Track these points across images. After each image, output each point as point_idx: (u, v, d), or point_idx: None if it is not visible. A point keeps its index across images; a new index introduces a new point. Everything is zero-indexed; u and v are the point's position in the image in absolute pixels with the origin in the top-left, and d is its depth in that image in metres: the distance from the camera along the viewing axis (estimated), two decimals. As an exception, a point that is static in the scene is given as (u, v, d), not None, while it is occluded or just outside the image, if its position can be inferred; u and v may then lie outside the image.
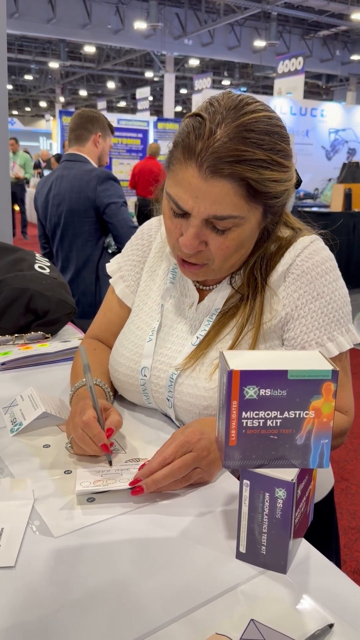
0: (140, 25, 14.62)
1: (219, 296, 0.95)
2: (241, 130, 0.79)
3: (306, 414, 0.58)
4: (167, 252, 1.04)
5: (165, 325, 1.00)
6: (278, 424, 0.58)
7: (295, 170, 0.92)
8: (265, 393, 0.57)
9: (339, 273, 0.94)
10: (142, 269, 1.08)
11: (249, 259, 0.92)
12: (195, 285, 0.99)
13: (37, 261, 1.45)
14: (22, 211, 10.17)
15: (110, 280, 1.11)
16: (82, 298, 2.46)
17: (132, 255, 1.10)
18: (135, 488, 0.74)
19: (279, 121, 0.86)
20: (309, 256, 0.91)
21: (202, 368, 0.90)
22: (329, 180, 9.96)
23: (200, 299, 0.98)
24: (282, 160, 0.83)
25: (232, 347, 0.90)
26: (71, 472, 0.81)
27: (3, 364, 1.19)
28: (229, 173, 0.78)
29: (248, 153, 0.78)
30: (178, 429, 0.82)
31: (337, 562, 1.16)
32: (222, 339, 0.91)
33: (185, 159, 0.81)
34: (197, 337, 0.93)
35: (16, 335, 1.32)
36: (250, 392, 0.57)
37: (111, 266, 1.12)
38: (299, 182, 0.95)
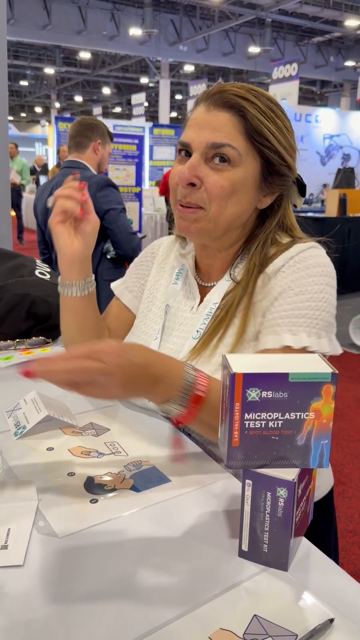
0: (135, 31, 14.71)
1: (217, 291, 0.98)
2: (246, 87, 0.91)
3: (306, 416, 0.60)
4: (174, 253, 1.08)
5: (168, 328, 1.03)
6: (279, 425, 0.60)
7: (299, 175, 0.98)
8: (267, 395, 0.59)
9: (332, 282, 0.92)
10: (146, 280, 1.13)
11: (248, 245, 0.96)
12: (198, 283, 1.03)
13: (37, 267, 1.47)
14: (19, 217, 10.20)
15: (115, 292, 1.16)
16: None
17: (135, 270, 1.16)
18: (26, 370, 0.67)
19: (283, 109, 0.95)
20: (304, 258, 0.92)
21: (206, 361, 0.93)
22: (324, 185, 10.02)
23: (202, 299, 1.01)
24: (280, 123, 0.91)
25: (236, 338, 0.93)
26: (74, 474, 0.83)
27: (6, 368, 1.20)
28: (229, 104, 0.88)
29: (249, 95, 0.89)
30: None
31: (336, 560, 1.18)
32: (222, 331, 0.94)
33: (195, 107, 0.93)
34: (197, 331, 0.97)
35: (17, 340, 1.34)
36: (253, 394, 0.59)
37: (115, 282, 1.18)
38: (302, 186, 0.99)
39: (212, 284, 1.01)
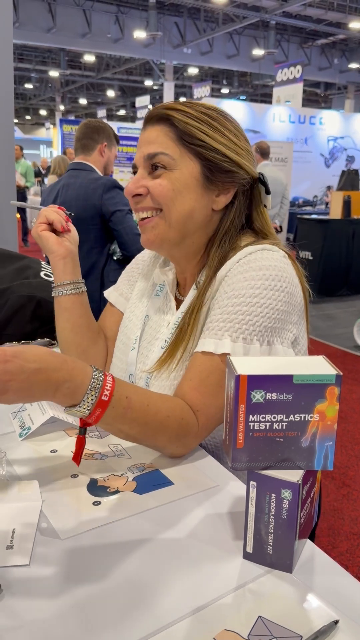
0: (139, 34, 14.75)
1: (186, 302, 1.00)
2: (185, 102, 0.96)
3: (311, 417, 0.60)
4: (156, 269, 1.11)
5: (144, 340, 1.06)
6: (284, 427, 0.60)
7: (261, 174, 1.00)
8: (271, 397, 0.59)
9: (278, 285, 0.88)
10: (134, 287, 1.17)
11: (209, 251, 0.98)
12: (177, 298, 1.06)
13: (43, 269, 1.48)
14: (23, 219, 10.22)
15: (110, 299, 1.20)
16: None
17: (127, 278, 1.20)
18: None
19: (230, 116, 0.99)
20: (248, 261, 0.92)
21: (170, 367, 0.96)
22: (328, 187, 10.01)
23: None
24: (216, 125, 0.94)
25: (182, 342, 0.95)
26: (77, 476, 0.83)
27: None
28: (158, 116, 0.94)
29: (179, 106, 0.94)
30: None
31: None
32: (186, 339, 0.95)
33: (142, 129, 0.98)
34: (165, 341, 1.00)
35: (23, 342, 1.35)
36: (257, 396, 0.59)
37: (108, 291, 1.21)
38: (265, 186, 1.01)
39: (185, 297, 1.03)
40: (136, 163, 0.97)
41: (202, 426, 0.87)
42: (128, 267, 1.22)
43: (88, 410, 0.74)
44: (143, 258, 1.20)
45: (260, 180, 1.00)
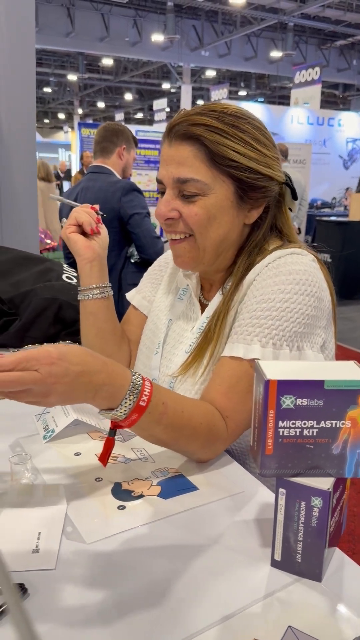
0: (157, 37, 14.80)
1: (210, 307, 1.00)
2: (207, 109, 0.90)
3: (342, 424, 0.59)
4: (179, 273, 1.10)
5: (168, 344, 1.05)
6: (314, 434, 0.59)
7: (288, 177, 0.97)
8: (301, 403, 0.58)
9: (308, 290, 0.88)
10: (158, 289, 1.16)
11: (237, 259, 0.96)
12: (201, 302, 1.05)
13: (64, 271, 1.48)
14: (41, 221, 10.29)
15: (132, 302, 1.19)
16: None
17: (150, 279, 1.18)
18: None
19: (253, 116, 0.94)
20: (278, 265, 0.91)
21: (196, 372, 0.95)
22: (347, 189, 9.93)
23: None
24: (246, 137, 0.89)
25: (211, 348, 0.95)
26: (102, 479, 0.83)
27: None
28: (188, 135, 0.88)
29: (207, 120, 0.88)
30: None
31: None
32: (212, 344, 0.94)
33: (162, 141, 0.93)
34: (190, 345, 0.99)
35: (45, 344, 1.35)
36: (287, 401, 0.58)
37: (130, 293, 1.20)
38: (293, 190, 0.98)
39: (210, 302, 1.02)
40: (163, 180, 0.93)
41: (230, 432, 0.87)
42: (150, 269, 1.21)
43: (124, 414, 0.73)
44: (166, 260, 1.19)
45: (287, 184, 0.98)
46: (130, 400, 0.72)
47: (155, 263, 1.21)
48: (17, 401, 0.68)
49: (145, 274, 1.21)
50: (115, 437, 0.95)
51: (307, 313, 0.88)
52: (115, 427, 0.76)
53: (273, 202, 0.97)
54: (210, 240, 0.92)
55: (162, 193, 0.94)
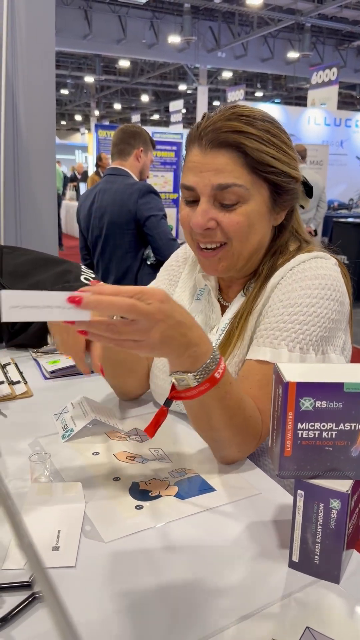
0: (174, 39, 14.82)
1: (232, 309, 0.99)
2: (235, 114, 0.88)
3: (361, 426, 0.59)
4: (197, 273, 1.09)
5: None
6: (333, 436, 0.60)
7: (304, 177, 0.97)
8: (321, 405, 0.58)
9: (333, 295, 0.89)
10: (175, 287, 1.14)
11: (264, 259, 0.96)
12: (220, 303, 1.04)
13: (83, 273, 1.50)
14: (58, 223, 10.37)
15: None
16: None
17: (167, 275, 1.17)
18: (74, 296, 0.63)
19: (275, 120, 0.93)
20: (303, 270, 0.91)
21: None
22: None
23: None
24: (278, 142, 0.89)
25: (229, 350, 0.94)
26: (120, 479, 0.83)
27: (52, 372, 1.23)
28: (226, 142, 0.86)
29: (242, 126, 0.87)
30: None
31: None
32: (233, 345, 0.95)
33: (189, 146, 0.91)
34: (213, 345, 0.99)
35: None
36: (306, 403, 0.59)
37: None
38: (309, 189, 0.99)
39: (231, 303, 1.02)
40: (197, 188, 0.89)
41: (263, 434, 0.87)
42: (167, 265, 1.19)
43: (198, 381, 0.73)
44: (184, 256, 1.17)
45: (304, 182, 0.98)
46: (209, 368, 0.73)
47: (172, 258, 1.19)
48: (117, 345, 0.67)
49: (162, 270, 1.20)
50: (134, 437, 0.96)
51: (331, 317, 0.88)
52: (173, 397, 0.76)
53: (295, 205, 0.98)
54: (248, 246, 0.92)
55: (190, 202, 0.92)
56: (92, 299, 0.63)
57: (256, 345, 0.90)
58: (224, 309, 1.04)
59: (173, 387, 0.77)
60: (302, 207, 1.01)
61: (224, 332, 0.98)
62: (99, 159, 8.39)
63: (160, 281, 1.17)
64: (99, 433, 0.98)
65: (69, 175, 13.14)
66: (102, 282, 0.70)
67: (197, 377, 0.73)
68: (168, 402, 0.78)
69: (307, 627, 0.56)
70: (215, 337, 1.01)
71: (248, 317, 0.95)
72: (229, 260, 0.93)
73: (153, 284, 1.19)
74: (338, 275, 0.92)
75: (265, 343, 0.88)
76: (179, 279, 1.15)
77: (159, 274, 1.20)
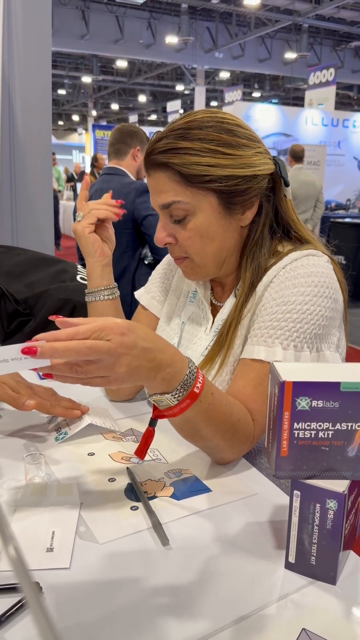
0: (171, 39, 14.82)
1: (225, 310, 1.00)
2: (171, 130, 0.90)
3: (358, 426, 0.59)
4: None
5: (182, 346, 1.05)
6: (330, 436, 0.59)
7: (277, 162, 0.95)
8: (317, 404, 0.58)
9: (327, 293, 0.89)
10: (168, 291, 1.15)
11: (241, 261, 0.97)
12: (212, 303, 1.05)
13: (79, 272, 1.49)
14: (56, 223, 10.37)
15: (141, 302, 1.18)
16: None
17: (159, 278, 1.17)
18: (29, 347, 0.62)
19: (222, 118, 0.91)
20: (295, 267, 0.91)
21: (210, 373, 0.95)
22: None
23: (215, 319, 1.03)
24: (214, 147, 0.88)
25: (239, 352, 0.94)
26: (115, 479, 0.83)
27: (48, 372, 1.22)
28: (159, 163, 0.89)
29: (170, 144, 0.88)
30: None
31: None
32: (225, 347, 0.95)
33: (145, 169, 0.95)
34: (206, 349, 0.99)
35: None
36: (303, 403, 0.58)
37: (138, 292, 1.20)
38: (283, 179, 0.96)
39: (223, 304, 1.02)
40: (155, 209, 0.96)
41: (256, 434, 0.87)
42: (159, 268, 1.20)
43: (177, 399, 0.73)
44: None
45: (277, 171, 0.95)
46: (187, 384, 0.72)
47: (164, 261, 1.19)
48: (80, 380, 0.66)
49: (154, 273, 1.20)
50: (130, 437, 0.96)
51: (325, 315, 0.88)
52: (157, 416, 0.76)
53: (264, 197, 0.95)
54: (208, 256, 0.94)
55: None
56: (47, 348, 0.62)
57: (250, 344, 0.90)
58: (217, 308, 1.04)
59: (155, 407, 0.76)
60: (285, 196, 0.98)
61: (216, 335, 0.98)
62: (95, 159, 8.38)
63: (153, 285, 1.18)
64: (95, 433, 0.97)
65: (67, 175, 13.13)
66: (59, 317, 0.68)
67: (176, 395, 0.72)
68: (153, 422, 0.77)
69: (304, 629, 0.56)
70: (208, 338, 1.01)
71: (239, 320, 0.95)
72: (196, 270, 0.97)
73: (144, 289, 1.19)
74: (331, 272, 0.92)
75: (260, 342, 0.88)
76: (171, 282, 1.16)
77: (150, 278, 1.20)
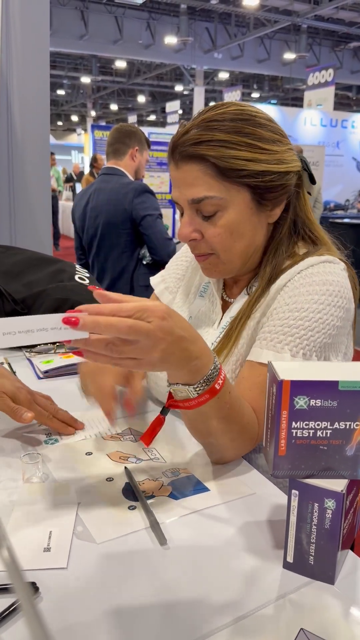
0: (170, 40, 14.83)
1: (235, 307, 0.99)
2: (205, 120, 0.87)
3: (356, 425, 0.58)
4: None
5: None
6: (328, 435, 0.59)
7: (304, 161, 0.95)
8: (315, 403, 0.58)
9: (340, 302, 0.87)
10: (181, 282, 1.14)
11: (265, 256, 0.95)
12: (223, 299, 1.04)
13: (77, 272, 1.49)
14: (55, 223, 10.36)
15: (156, 290, 1.17)
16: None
17: (175, 269, 1.17)
18: (71, 317, 0.61)
19: (255, 112, 0.90)
20: (311, 274, 0.89)
21: None
22: (360, 191, 9.87)
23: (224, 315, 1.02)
24: (251, 141, 0.86)
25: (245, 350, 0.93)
26: (113, 479, 0.83)
27: (46, 372, 1.22)
28: (192, 155, 0.85)
29: (206, 135, 0.85)
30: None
31: None
32: (231, 344, 0.94)
33: (168, 159, 0.91)
34: (212, 344, 0.98)
35: (57, 344, 1.36)
36: (301, 402, 0.58)
37: (155, 279, 1.18)
38: (310, 176, 0.96)
39: (234, 300, 1.02)
40: (178, 202, 0.92)
41: (259, 436, 0.87)
42: (179, 254, 1.18)
43: (198, 393, 0.72)
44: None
45: (305, 169, 0.96)
46: (210, 379, 0.72)
47: (183, 249, 1.18)
48: (115, 363, 0.65)
49: (172, 260, 1.19)
50: (128, 437, 0.95)
51: (336, 325, 0.87)
52: (170, 406, 0.75)
53: (293, 194, 0.95)
54: (236, 253, 0.92)
55: (182, 212, 0.93)
56: (89, 320, 0.61)
57: (259, 347, 0.88)
58: (227, 304, 1.03)
59: (170, 396, 0.76)
60: (309, 193, 0.99)
61: (224, 331, 0.97)
62: (94, 159, 8.38)
63: (169, 276, 1.17)
64: (92, 434, 0.97)
65: (66, 175, 13.13)
66: (100, 290, 0.67)
67: (198, 389, 0.72)
68: (165, 411, 0.76)
69: (302, 629, 0.56)
70: (216, 333, 1.00)
71: (249, 318, 0.94)
72: (221, 267, 0.94)
73: (161, 276, 1.18)
74: (346, 281, 0.90)
75: (269, 346, 0.87)
76: (185, 274, 1.15)
77: (167, 267, 1.19)
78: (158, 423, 0.77)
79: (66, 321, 0.61)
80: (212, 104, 0.94)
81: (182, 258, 1.18)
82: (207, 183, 0.86)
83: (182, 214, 0.93)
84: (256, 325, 0.93)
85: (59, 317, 0.61)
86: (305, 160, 0.96)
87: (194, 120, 0.88)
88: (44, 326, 0.62)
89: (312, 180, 0.97)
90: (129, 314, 0.62)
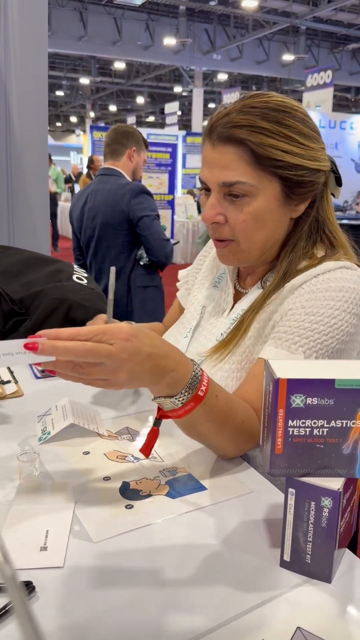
0: (169, 41, 14.84)
1: (247, 299, 0.99)
2: (247, 106, 0.87)
3: (353, 424, 0.58)
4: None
5: (200, 327, 1.06)
6: (324, 433, 0.59)
7: (333, 162, 0.95)
8: (312, 402, 0.58)
9: (355, 310, 0.87)
10: (197, 275, 1.18)
11: (282, 250, 0.96)
12: (236, 289, 1.05)
13: (75, 272, 1.49)
14: (54, 224, 10.37)
15: (178, 287, 1.23)
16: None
17: (196, 263, 1.21)
18: (31, 343, 0.63)
19: (297, 107, 0.90)
20: (328, 279, 0.89)
21: (224, 361, 0.95)
22: (359, 193, 9.89)
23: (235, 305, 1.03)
24: (291, 134, 0.86)
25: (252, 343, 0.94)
26: (110, 478, 0.82)
27: (43, 371, 1.22)
28: (231, 138, 0.85)
29: (248, 120, 0.85)
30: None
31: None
32: (240, 336, 0.95)
33: (203, 139, 0.91)
34: (222, 334, 0.99)
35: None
36: (297, 400, 0.58)
37: (182, 272, 1.23)
38: (338, 176, 0.96)
39: (247, 291, 1.02)
40: (207, 183, 0.91)
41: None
42: (203, 251, 1.21)
43: (182, 402, 0.73)
44: (211, 245, 1.18)
45: (332, 171, 0.96)
46: (191, 388, 0.73)
47: (208, 245, 1.20)
48: (82, 380, 0.67)
49: (202, 258, 1.21)
50: (125, 436, 0.95)
51: (349, 331, 0.87)
52: (161, 417, 0.76)
53: (319, 193, 0.95)
54: (257, 242, 0.92)
55: (207, 190, 0.93)
56: (48, 345, 0.63)
57: (273, 346, 0.87)
58: (239, 295, 1.04)
59: (159, 408, 0.76)
60: (333, 195, 0.99)
61: (234, 323, 0.98)
62: (91, 161, 8.38)
63: (189, 274, 1.21)
64: (91, 434, 0.96)
65: (65, 176, 13.13)
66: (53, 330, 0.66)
67: (180, 399, 0.73)
68: (157, 422, 0.77)
69: (298, 628, 0.56)
70: (226, 322, 1.01)
71: (260, 311, 0.94)
72: (239, 254, 0.94)
73: (185, 276, 1.22)
74: None
75: (283, 346, 0.86)
76: (202, 266, 1.18)
77: (202, 256, 1.22)
78: (153, 435, 0.78)
79: (26, 347, 0.63)
80: (211, 105, 0.94)
81: (203, 253, 1.21)
82: (241, 168, 0.86)
83: (205, 192, 0.93)
84: (266, 318, 0.93)
85: (20, 342, 0.64)
86: (334, 162, 0.96)
87: (235, 105, 0.88)
88: (9, 351, 0.64)
89: (339, 182, 0.97)
90: (87, 337, 0.64)
